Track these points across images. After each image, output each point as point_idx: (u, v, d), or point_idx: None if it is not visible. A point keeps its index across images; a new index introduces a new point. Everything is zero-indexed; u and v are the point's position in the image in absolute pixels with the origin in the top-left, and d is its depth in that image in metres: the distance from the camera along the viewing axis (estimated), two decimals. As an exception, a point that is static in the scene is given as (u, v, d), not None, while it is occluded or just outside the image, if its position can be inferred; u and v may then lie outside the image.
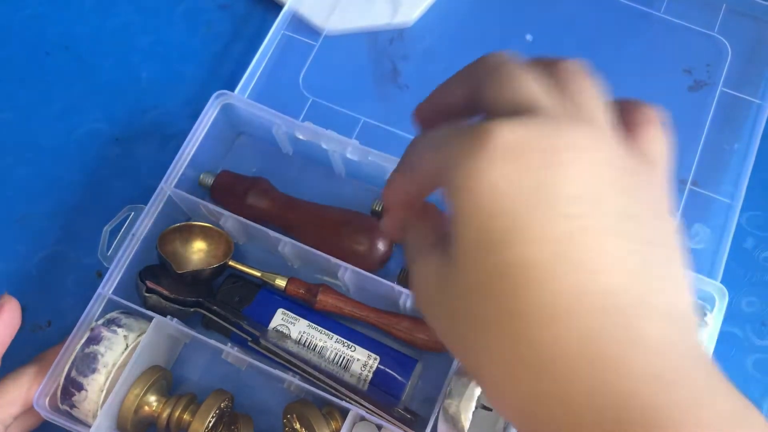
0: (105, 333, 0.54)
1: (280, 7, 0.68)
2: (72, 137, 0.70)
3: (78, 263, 0.65)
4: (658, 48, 0.67)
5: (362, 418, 0.54)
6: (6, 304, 0.51)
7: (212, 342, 0.55)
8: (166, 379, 0.57)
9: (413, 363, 0.58)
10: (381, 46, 0.68)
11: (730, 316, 0.60)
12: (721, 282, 0.56)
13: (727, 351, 0.60)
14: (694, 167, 0.62)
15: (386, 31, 0.69)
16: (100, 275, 0.64)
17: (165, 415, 0.55)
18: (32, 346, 0.58)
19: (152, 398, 0.55)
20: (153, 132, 0.68)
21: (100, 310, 0.55)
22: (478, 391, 0.50)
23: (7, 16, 0.75)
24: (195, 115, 0.61)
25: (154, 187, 0.59)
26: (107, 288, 0.56)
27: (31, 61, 0.73)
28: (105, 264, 0.57)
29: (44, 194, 0.67)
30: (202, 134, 0.60)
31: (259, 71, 0.66)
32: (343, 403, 0.53)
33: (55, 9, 0.75)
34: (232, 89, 0.63)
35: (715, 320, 0.53)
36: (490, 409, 0.56)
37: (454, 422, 0.51)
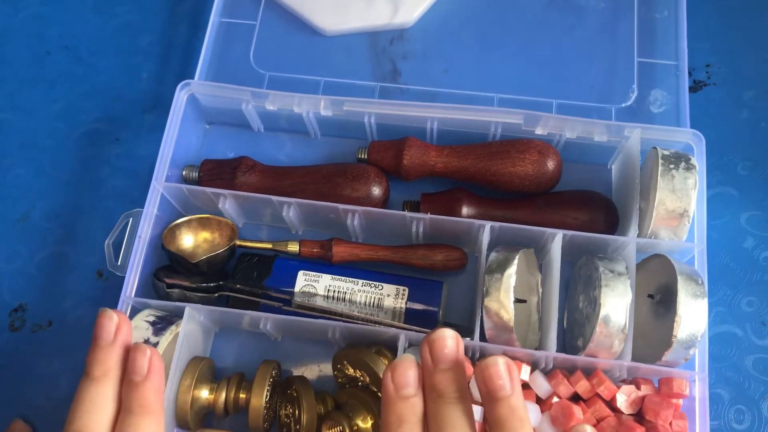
0: None
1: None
2: (72, 137, 0.69)
3: (78, 263, 0.64)
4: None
5: (410, 344, 0.55)
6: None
7: (248, 313, 0.55)
8: (210, 366, 0.58)
9: (439, 285, 0.60)
10: (381, 46, 0.69)
11: (730, 316, 0.61)
12: (721, 281, 0.61)
13: (727, 351, 0.60)
14: (636, 42, 0.66)
15: (386, 31, 0.70)
16: (101, 275, 0.63)
17: (221, 399, 0.55)
18: (32, 346, 0.57)
19: (203, 387, 0.55)
20: (153, 131, 0.68)
21: (127, 314, 0.55)
22: (512, 281, 0.53)
23: (7, 16, 0.74)
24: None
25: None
26: (128, 292, 0.56)
27: (32, 61, 0.72)
28: (118, 274, 0.57)
29: (44, 194, 0.67)
30: (177, 126, 0.61)
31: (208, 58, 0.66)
32: (390, 333, 0.54)
33: (56, 9, 0.74)
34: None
35: (699, 162, 0.57)
36: (524, 301, 0.59)
37: (498, 317, 0.53)
